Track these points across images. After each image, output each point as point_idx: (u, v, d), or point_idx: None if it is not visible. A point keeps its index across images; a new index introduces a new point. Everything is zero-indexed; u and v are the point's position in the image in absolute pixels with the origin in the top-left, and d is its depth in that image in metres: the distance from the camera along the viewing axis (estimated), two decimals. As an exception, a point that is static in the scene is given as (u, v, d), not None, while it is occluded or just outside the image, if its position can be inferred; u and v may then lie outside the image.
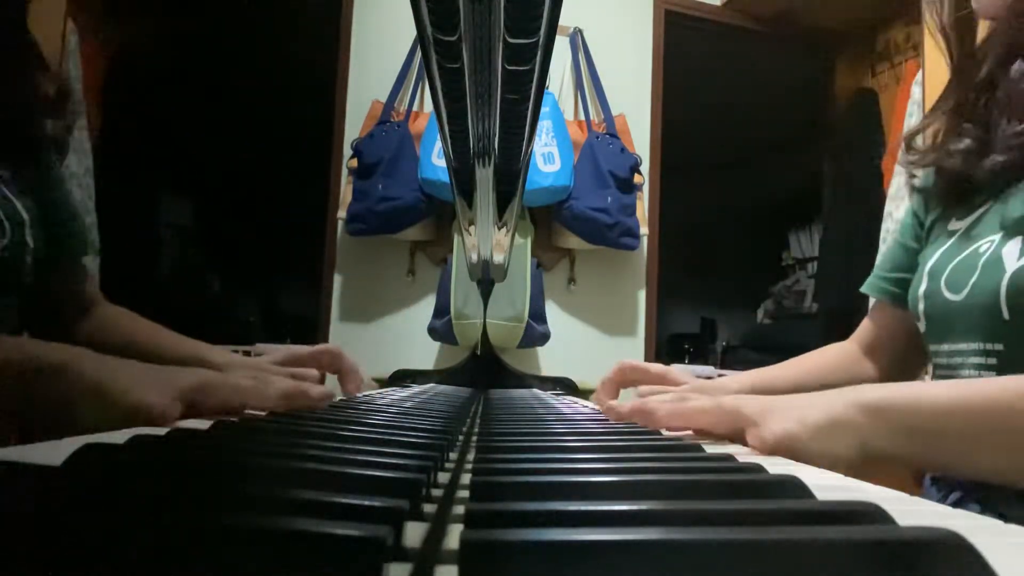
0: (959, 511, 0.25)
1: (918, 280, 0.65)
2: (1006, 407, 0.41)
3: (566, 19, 1.78)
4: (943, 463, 0.46)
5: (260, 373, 0.52)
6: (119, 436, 0.30)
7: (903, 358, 0.76)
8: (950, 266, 0.61)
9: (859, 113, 2.52)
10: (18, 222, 0.68)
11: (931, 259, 0.64)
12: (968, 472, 0.45)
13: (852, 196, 2.44)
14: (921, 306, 0.64)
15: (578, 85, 2.29)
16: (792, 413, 0.45)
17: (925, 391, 0.45)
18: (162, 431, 0.32)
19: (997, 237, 0.57)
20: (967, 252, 0.59)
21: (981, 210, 0.61)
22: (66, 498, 0.18)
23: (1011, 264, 0.54)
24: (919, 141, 0.68)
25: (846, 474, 0.37)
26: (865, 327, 0.81)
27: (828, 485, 0.30)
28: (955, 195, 0.65)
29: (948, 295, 0.60)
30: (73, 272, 0.80)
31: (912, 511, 0.25)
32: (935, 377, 0.64)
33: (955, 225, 0.64)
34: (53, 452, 0.25)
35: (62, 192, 0.79)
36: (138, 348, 0.77)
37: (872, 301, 0.80)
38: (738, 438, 0.46)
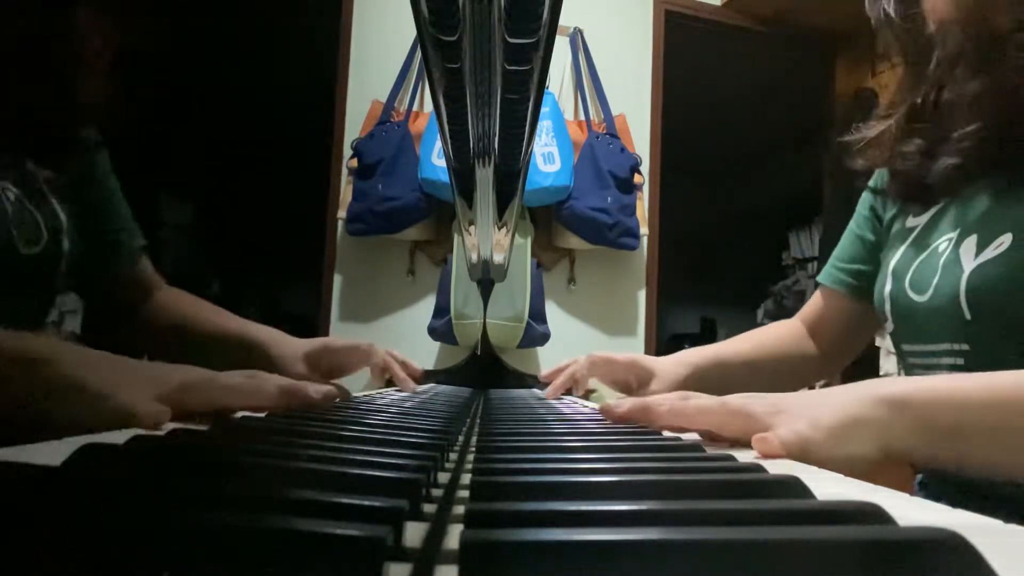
0: (959, 511, 0.25)
1: (882, 280, 0.66)
2: None
3: (566, 19, 1.78)
4: (972, 461, 0.44)
5: (256, 372, 0.51)
6: (119, 436, 0.30)
7: (841, 342, 0.80)
8: (913, 267, 0.61)
9: (859, 113, 2.52)
10: (55, 228, 0.68)
11: (893, 259, 0.64)
12: (1000, 470, 0.43)
13: (852, 196, 2.43)
14: (887, 307, 0.64)
15: (578, 85, 2.29)
16: (804, 413, 0.43)
17: (951, 384, 0.43)
18: (162, 431, 0.32)
19: (954, 235, 0.57)
20: (927, 252, 0.60)
21: (936, 208, 0.62)
22: (66, 498, 0.18)
23: (968, 264, 0.54)
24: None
25: (854, 474, 0.37)
26: (811, 309, 0.85)
27: (828, 485, 0.30)
28: (910, 194, 0.65)
29: (913, 296, 0.60)
30: (125, 267, 0.84)
31: (912, 511, 0.25)
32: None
33: (912, 222, 0.64)
34: (53, 452, 0.26)
35: (105, 192, 0.82)
36: (188, 326, 0.83)
37: (822, 286, 0.83)
38: (745, 440, 0.45)
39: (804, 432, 0.41)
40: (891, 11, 0.64)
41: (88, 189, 0.77)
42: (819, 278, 0.82)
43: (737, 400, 0.45)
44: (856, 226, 0.78)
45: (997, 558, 0.16)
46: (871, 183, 0.74)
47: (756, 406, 0.44)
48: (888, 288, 0.64)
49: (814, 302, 0.85)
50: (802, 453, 0.41)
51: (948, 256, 0.57)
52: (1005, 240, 0.52)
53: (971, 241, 0.55)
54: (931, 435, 0.42)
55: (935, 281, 0.57)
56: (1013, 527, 0.22)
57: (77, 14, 0.68)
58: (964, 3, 0.55)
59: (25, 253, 0.64)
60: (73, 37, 0.68)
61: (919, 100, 0.61)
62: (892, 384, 0.44)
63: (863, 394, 0.43)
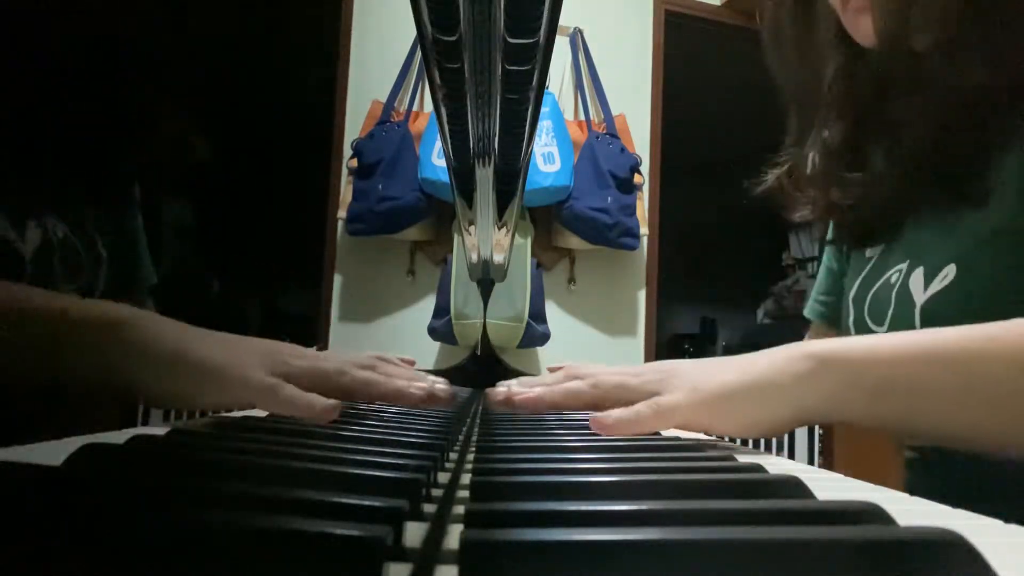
0: (959, 511, 0.25)
1: (845, 309, 0.65)
2: (977, 353, 0.38)
3: (566, 19, 1.78)
4: (906, 422, 0.42)
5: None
6: (119, 436, 0.30)
7: None
8: (868, 297, 0.61)
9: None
10: (95, 263, 0.69)
11: (852, 289, 0.64)
12: (939, 432, 0.42)
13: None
14: (852, 335, 0.63)
15: (578, 85, 2.29)
16: (692, 380, 0.42)
17: (881, 340, 0.42)
18: (161, 431, 0.32)
19: (904, 266, 0.57)
20: (881, 282, 0.59)
21: (887, 237, 0.61)
22: (66, 498, 0.18)
23: (918, 297, 0.54)
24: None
25: (769, 436, 0.37)
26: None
27: (828, 485, 0.30)
28: (854, 237, 0.65)
29: (872, 326, 0.60)
30: (136, 301, 0.85)
31: (912, 511, 0.25)
32: None
33: (870, 252, 0.64)
34: (53, 452, 0.26)
35: (136, 231, 0.83)
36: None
37: (806, 320, 0.82)
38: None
39: (678, 400, 0.41)
40: (786, 57, 0.63)
41: (124, 223, 0.78)
42: (804, 311, 0.84)
43: (616, 378, 0.46)
44: (826, 258, 0.79)
45: (997, 558, 0.16)
46: (828, 236, 0.73)
47: (634, 379, 0.45)
48: (851, 318, 0.64)
49: (807, 337, 0.86)
50: (665, 421, 0.41)
51: (899, 288, 0.56)
52: (949, 272, 0.51)
53: (919, 273, 0.54)
54: (861, 392, 0.40)
55: (890, 312, 0.57)
56: (1013, 527, 0.22)
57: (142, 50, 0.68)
58: (886, 28, 0.53)
59: (64, 288, 0.64)
60: (139, 74, 0.68)
61: (837, 143, 0.59)
62: (818, 343, 0.42)
63: (789, 352, 0.42)
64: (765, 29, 0.65)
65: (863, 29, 0.55)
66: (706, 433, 0.43)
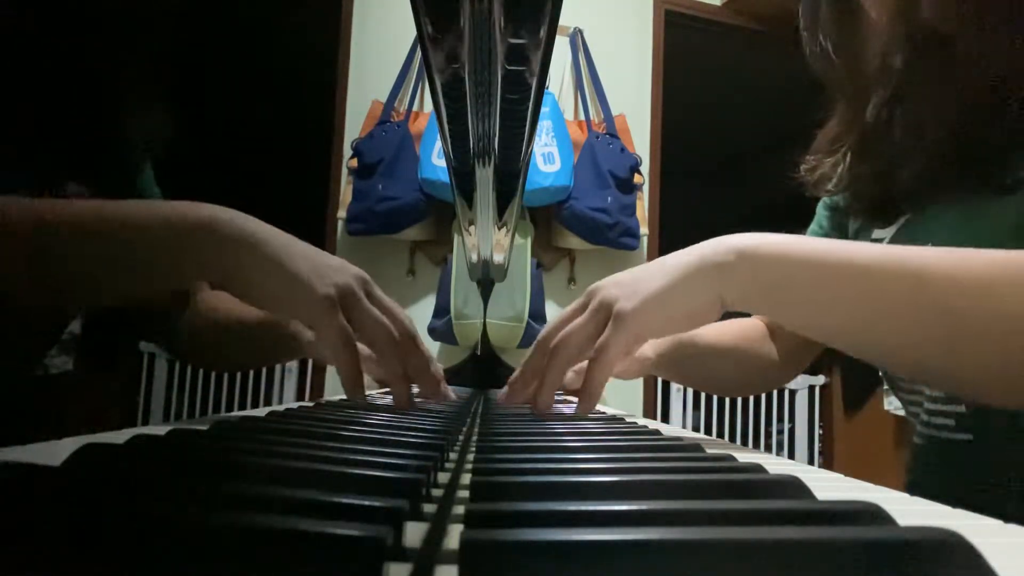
0: (959, 511, 0.25)
1: None
2: (880, 270, 0.39)
3: (566, 19, 1.78)
4: (789, 316, 0.45)
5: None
6: (119, 436, 0.30)
7: (794, 348, 0.78)
8: None
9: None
10: None
11: None
12: (836, 340, 0.43)
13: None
14: None
15: (578, 85, 2.29)
16: (635, 288, 0.47)
17: (808, 243, 0.43)
18: (162, 431, 0.32)
19: None
20: None
21: (903, 220, 0.60)
22: (66, 498, 0.18)
23: None
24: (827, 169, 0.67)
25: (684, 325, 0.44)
26: None
27: (828, 485, 0.30)
28: (873, 213, 0.64)
29: None
30: None
31: (912, 511, 0.25)
32: (899, 396, 0.63)
33: (878, 234, 0.63)
34: (53, 452, 0.26)
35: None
36: (227, 323, 0.83)
37: None
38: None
39: (627, 308, 0.46)
40: (828, 45, 0.64)
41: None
42: None
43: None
44: (812, 234, 0.77)
45: (997, 558, 0.16)
46: (828, 201, 0.73)
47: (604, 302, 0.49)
48: None
49: None
50: (625, 330, 0.45)
51: None
52: None
53: None
54: (759, 286, 0.43)
55: None
56: (1013, 527, 0.22)
57: (118, 30, 0.68)
58: (904, 11, 0.53)
59: None
60: (118, 54, 0.68)
61: (871, 122, 0.60)
62: (756, 235, 0.44)
63: (720, 242, 0.45)
64: (803, 15, 0.66)
65: (879, 19, 0.56)
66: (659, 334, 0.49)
